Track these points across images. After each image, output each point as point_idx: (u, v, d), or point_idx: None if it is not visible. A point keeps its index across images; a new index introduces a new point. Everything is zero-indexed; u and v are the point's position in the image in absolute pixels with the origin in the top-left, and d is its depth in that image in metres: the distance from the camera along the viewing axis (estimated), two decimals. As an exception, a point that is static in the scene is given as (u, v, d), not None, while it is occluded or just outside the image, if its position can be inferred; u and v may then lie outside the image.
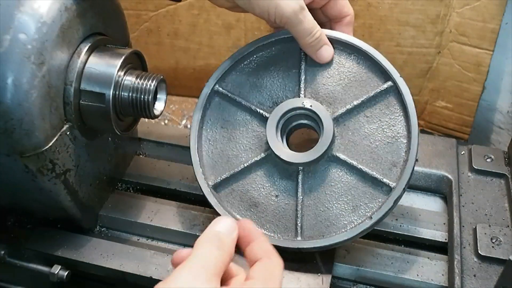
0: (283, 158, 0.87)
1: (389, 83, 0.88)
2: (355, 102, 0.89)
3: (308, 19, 0.87)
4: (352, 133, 0.88)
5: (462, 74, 1.30)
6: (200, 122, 0.94)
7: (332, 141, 0.87)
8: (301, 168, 0.88)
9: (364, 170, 0.85)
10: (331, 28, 0.93)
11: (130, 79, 0.88)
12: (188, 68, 1.43)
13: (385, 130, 0.88)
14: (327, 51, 0.91)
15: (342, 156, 0.87)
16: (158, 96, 0.92)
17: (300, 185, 0.88)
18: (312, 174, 0.88)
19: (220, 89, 0.95)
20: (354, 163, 0.86)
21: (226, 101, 0.95)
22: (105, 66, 0.85)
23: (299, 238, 0.86)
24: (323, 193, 0.87)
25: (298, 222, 0.87)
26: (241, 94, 0.94)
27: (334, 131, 0.87)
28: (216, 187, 0.91)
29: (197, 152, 0.92)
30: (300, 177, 0.88)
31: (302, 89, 0.91)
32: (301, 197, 0.87)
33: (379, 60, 0.89)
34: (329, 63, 0.92)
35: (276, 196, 0.89)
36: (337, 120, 0.89)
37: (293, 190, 0.88)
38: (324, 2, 0.91)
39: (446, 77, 1.33)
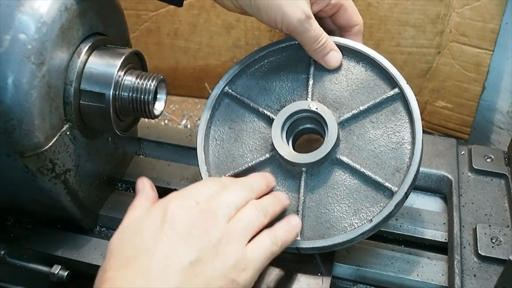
0: (287, 158, 0.87)
1: (396, 90, 0.89)
2: (361, 108, 0.89)
3: (314, 28, 0.88)
4: (357, 138, 0.88)
5: (462, 74, 1.30)
6: (208, 122, 0.94)
7: (336, 144, 0.87)
8: (305, 169, 0.88)
9: (367, 174, 0.85)
10: (341, 37, 0.94)
11: (130, 79, 0.87)
12: (188, 68, 1.43)
13: (390, 136, 0.87)
14: (334, 57, 0.91)
15: (345, 160, 0.87)
16: (158, 96, 0.92)
17: (302, 186, 0.87)
18: (315, 176, 0.88)
19: (230, 91, 0.95)
20: (357, 166, 0.86)
21: (235, 102, 0.96)
22: (105, 66, 0.85)
23: (298, 238, 0.86)
24: (325, 195, 0.87)
25: None
26: (250, 96, 0.95)
27: (338, 134, 0.87)
28: None
29: (203, 150, 0.93)
30: (303, 178, 0.88)
31: (310, 93, 0.92)
32: (303, 198, 0.87)
33: (387, 68, 0.90)
34: (337, 70, 0.92)
35: None
36: (342, 124, 0.89)
37: (295, 190, 0.88)
38: (333, 11, 0.92)
39: (446, 77, 1.33)
